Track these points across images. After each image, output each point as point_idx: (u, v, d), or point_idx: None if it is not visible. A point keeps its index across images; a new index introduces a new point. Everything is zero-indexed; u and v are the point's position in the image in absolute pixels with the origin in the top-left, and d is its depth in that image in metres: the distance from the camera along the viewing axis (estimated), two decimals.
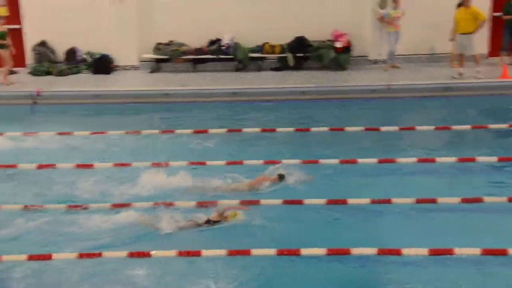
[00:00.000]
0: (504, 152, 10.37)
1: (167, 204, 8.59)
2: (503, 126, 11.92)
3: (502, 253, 7.22)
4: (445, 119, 12.69)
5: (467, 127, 11.81)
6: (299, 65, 16.67)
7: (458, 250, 7.23)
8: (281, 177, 9.29)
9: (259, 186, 9.19)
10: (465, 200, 8.51)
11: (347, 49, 16.52)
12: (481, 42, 15.99)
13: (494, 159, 10.04)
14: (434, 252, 7.26)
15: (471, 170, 9.88)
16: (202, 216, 8.18)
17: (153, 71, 17.19)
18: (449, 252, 7.23)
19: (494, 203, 8.57)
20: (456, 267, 7.10)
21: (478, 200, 8.54)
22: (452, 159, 10.10)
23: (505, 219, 8.30)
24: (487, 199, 8.57)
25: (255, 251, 7.33)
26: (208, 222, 8.06)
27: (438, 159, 10.12)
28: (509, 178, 9.56)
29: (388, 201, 8.55)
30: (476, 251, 7.23)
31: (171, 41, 17.28)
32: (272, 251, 7.33)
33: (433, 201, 8.56)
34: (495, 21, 16.43)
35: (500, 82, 14.46)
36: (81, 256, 7.41)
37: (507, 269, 7.09)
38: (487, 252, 7.21)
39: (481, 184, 9.35)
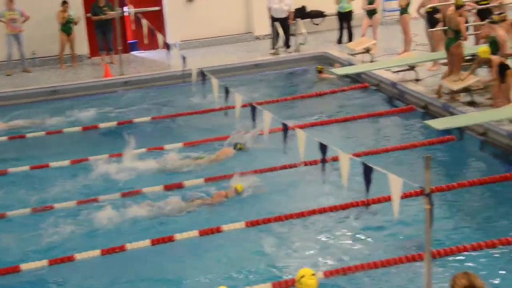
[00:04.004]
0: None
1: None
2: (110, 124, 12.58)
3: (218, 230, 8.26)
4: (56, 123, 12.87)
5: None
6: None
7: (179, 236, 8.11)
8: (239, 147, 10.47)
9: (223, 158, 10.30)
10: None
11: None
12: (80, 43, 16.46)
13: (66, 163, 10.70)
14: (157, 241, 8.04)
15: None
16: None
17: None
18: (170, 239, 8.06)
19: None
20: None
21: None
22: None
23: None
24: None
25: None
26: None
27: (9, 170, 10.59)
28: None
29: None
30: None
31: None
32: None
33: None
34: (89, 22, 16.59)
35: (105, 80, 15.10)
36: None
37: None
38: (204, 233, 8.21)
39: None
